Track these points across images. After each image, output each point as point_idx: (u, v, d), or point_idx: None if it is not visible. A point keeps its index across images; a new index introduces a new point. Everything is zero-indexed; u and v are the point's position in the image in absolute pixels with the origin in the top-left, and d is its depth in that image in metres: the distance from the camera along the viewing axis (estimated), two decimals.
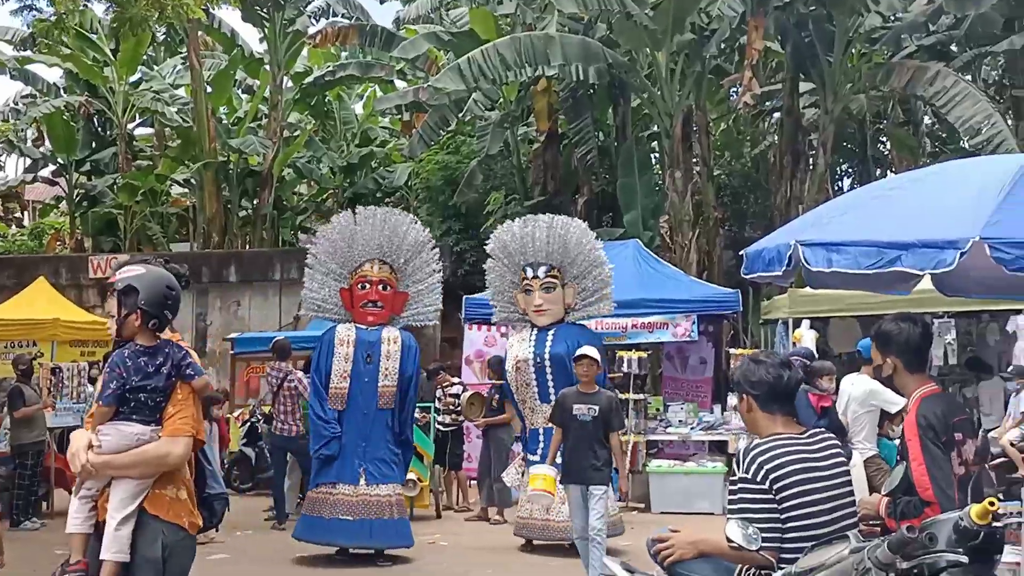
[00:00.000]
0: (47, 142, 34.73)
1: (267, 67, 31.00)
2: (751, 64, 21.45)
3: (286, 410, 15.02)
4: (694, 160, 23.76)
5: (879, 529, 5.46)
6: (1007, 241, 4.95)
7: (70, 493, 5.54)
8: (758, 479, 4.87)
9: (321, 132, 35.77)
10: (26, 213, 42.73)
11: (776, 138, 26.99)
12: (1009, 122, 22.94)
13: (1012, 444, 13.74)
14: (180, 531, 5.37)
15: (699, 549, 5.11)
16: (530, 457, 12.95)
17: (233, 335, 22.14)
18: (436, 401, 16.70)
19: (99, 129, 35.20)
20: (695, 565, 5.13)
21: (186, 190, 34.06)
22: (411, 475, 14.30)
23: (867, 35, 23.82)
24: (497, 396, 16.11)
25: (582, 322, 13.45)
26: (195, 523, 5.49)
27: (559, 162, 26.03)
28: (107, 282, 5.65)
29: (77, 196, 33.82)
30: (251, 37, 33.41)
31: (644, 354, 17.70)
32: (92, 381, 15.76)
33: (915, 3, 23.22)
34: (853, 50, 23.97)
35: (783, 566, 4.76)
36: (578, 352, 11.03)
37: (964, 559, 4.25)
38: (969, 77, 24.58)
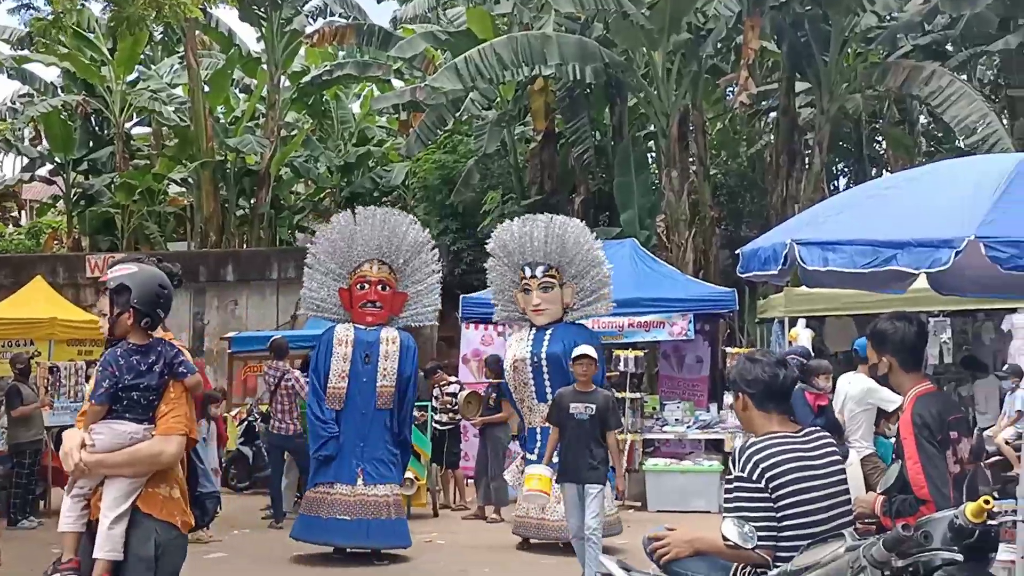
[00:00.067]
0: (44, 141, 34.76)
1: (264, 66, 31.00)
2: (747, 64, 21.49)
3: (283, 409, 15.02)
4: (690, 159, 23.77)
5: (875, 527, 5.48)
6: (1002, 240, 4.96)
7: None
8: (754, 478, 4.89)
9: (318, 131, 35.79)
10: (23, 212, 42.75)
11: (772, 137, 27.07)
12: (1004, 121, 22.99)
13: (1007, 442, 13.79)
14: (173, 530, 5.39)
15: (695, 547, 5.13)
16: (528, 456, 12.97)
17: (230, 334, 22.13)
18: (433, 400, 16.70)
19: (96, 128, 35.20)
20: (691, 563, 5.15)
21: (183, 189, 34.06)
22: (408, 474, 14.30)
23: (863, 35, 23.84)
24: (494, 395, 16.13)
25: (581, 321, 13.47)
26: (187, 522, 5.51)
27: (556, 161, 26.03)
28: (99, 281, 5.66)
29: (74, 195, 33.81)
30: (248, 36, 33.56)
31: (641, 353, 17.72)
32: (89, 380, 15.77)
33: (911, 3, 23.25)
34: (849, 50, 23.99)
35: (779, 564, 4.78)
36: (577, 352, 11.02)
37: (959, 557, 4.27)
38: (964, 77, 24.60)
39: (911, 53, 24.07)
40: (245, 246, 30.61)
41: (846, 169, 32.88)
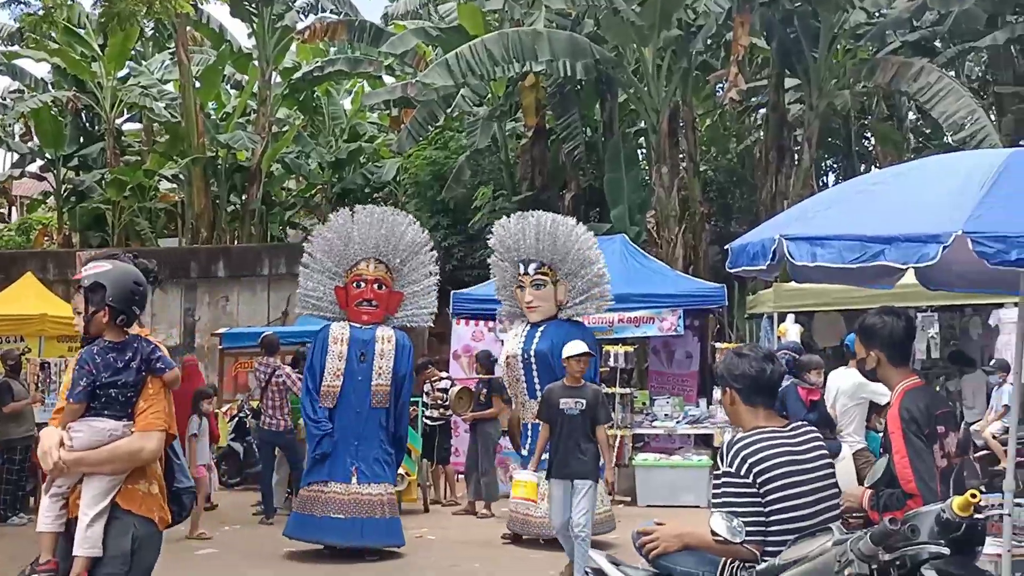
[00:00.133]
0: (35, 137, 34.59)
1: (255, 62, 30.93)
2: (737, 60, 21.52)
3: (274, 405, 15.02)
4: (680, 156, 23.81)
5: (862, 521, 5.50)
6: (989, 235, 4.96)
7: None
8: (741, 472, 4.91)
9: (309, 127, 35.68)
10: (13, 208, 42.62)
11: (762, 134, 27.11)
12: (992, 118, 23.06)
13: (994, 437, 13.84)
14: (151, 525, 5.38)
15: (684, 542, 5.16)
16: (523, 453, 13.03)
17: (221, 330, 22.12)
18: (424, 396, 16.71)
19: (87, 124, 35.10)
20: (680, 558, 5.17)
21: (174, 185, 33.97)
22: (399, 470, 14.33)
23: (852, 31, 23.89)
24: (485, 391, 16.17)
25: (578, 319, 13.46)
26: (164, 518, 5.50)
27: (546, 157, 26.04)
28: (73, 279, 5.65)
29: (65, 191, 33.72)
30: (239, 32, 33.39)
31: (630, 348, 17.74)
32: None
33: None
34: (838, 46, 24.03)
35: (767, 559, 4.80)
36: (577, 349, 11.02)
37: (946, 551, 4.28)
38: (953, 73, 24.68)
39: (900, 49, 24.13)
40: (236, 242, 30.50)
41: (835, 165, 32.95)
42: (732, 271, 6.31)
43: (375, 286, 12.84)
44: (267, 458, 15.47)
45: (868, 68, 22.63)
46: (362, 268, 12.84)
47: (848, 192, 6.53)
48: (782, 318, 16.51)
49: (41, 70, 34.96)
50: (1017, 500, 6.37)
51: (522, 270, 13.21)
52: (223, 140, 30.40)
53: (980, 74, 29.91)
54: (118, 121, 33.48)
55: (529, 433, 12.93)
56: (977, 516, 4.39)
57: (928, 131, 30.75)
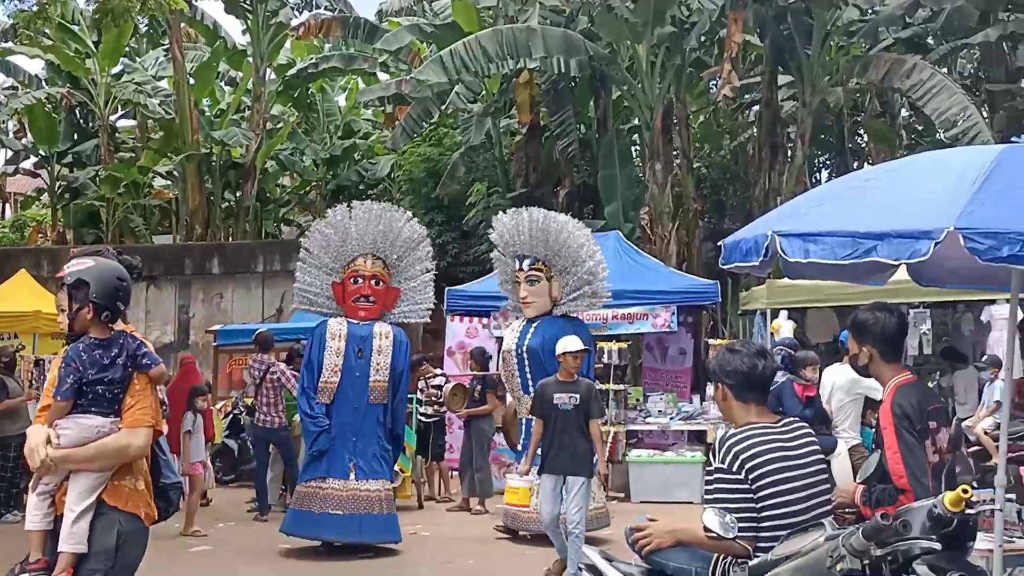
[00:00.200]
0: (28, 134, 34.57)
1: (250, 59, 30.88)
2: (730, 57, 21.52)
3: (268, 402, 15.02)
4: (674, 152, 23.84)
5: (854, 517, 5.53)
6: (981, 231, 4.97)
7: None
8: (733, 469, 4.93)
9: (304, 124, 35.66)
10: (7, 205, 42.57)
11: (755, 130, 27.09)
12: (984, 114, 23.05)
13: (986, 432, 13.87)
14: (136, 521, 5.39)
15: (676, 538, 5.18)
16: (518, 448, 13.05)
17: (216, 327, 22.09)
18: (418, 392, 16.70)
19: (81, 121, 35.09)
20: (672, 554, 5.19)
21: (169, 182, 33.97)
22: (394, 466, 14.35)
23: (845, 28, 23.87)
24: (479, 387, 16.17)
25: (573, 314, 13.45)
26: (151, 515, 5.50)
27: (541, 154, 26.04)
28: (56, 276, 5.65)
29: (59, 188, 33.70)
30: (234, 29, 33.28)
31: (624, 345, 17.77)
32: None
33: None
34: (831, 43, 24.03)
35: (759, 554, 4.82)
36: (575, 346, 11.05)
37: (937, 546, 4.30)
38: (945, 70, 24.68)
39: (892, 46, 24.16)
40: (231, 239, 30.50)
41: (828, 162, 32.97)
42: (725, 267, 6.32)
43: (372, 282, 12.86)
44: (261, 455, 15.48)
45: (861, 65, 22.66)
46: (359, 264, 12.84)
47: (841, 188, 6.54)
48: (775, 314, 16.54)
49: (35, 66, 35.01)
50: (1008, 495, 6.40)
51: (517, 266, 13.23)
52: (217, 137, 30.40)
53: (972, 71, 29.94)
54: (112, 118, 33.47)
55: (523, 428, 12.95)
56: (969, 512, 4.41)
57: (921, 128, 30.74)
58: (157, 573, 6.43)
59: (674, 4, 21.73)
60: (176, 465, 12.24)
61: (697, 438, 17.17)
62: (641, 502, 15.94)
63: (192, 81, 30.33)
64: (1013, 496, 6.81)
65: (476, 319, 19.04)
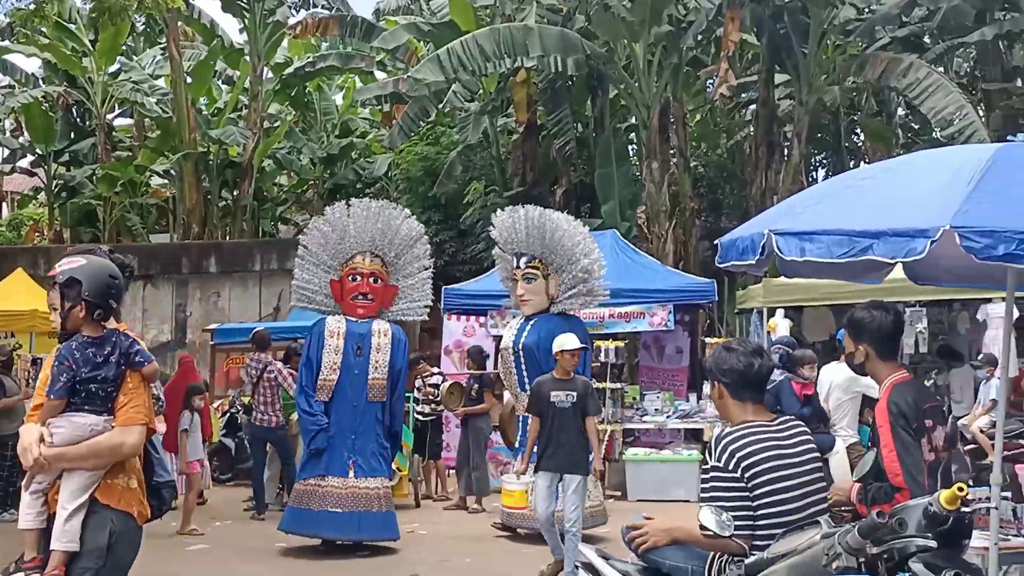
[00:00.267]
0: (25, 133, 34.54)
1: (247, 58, 30.85)
2: (727, 56, 21.53)
3: (266, 401, 15.02)
4: (671, 151, 23.85)
5: (850, 515, 5.54)
6: (976, 230, 4.98)
7: None
8: (729, 467, 4.94)
9: (301, 123, 35.64)
10: (4, 204, 42.51)
11: (752, 129, 27.11)
12: (980, 113, 23.09)
13: (982, 431, 13.89)
14: (129, 520, 5.38)
15: (673, 536, 5.18)
16: (515, 446, 13.05)
17: (213, 326, 22.10)
18: (415, 391, 16.70)
19: (78, 120, 35.04)
20: (669, 552, 5.20)
21: (166, 181, 33.92)
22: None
23: (841, 27, 23.90)
24: (476, 386, 16.17)
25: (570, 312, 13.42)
26: (144, 513, 5.49)
27: (538, 153, 26.03)
28: (48, 275, 5.65)
29: (56, 187, 33.67)
30: (231, 28, 33.44)
31: (621, 343, 17.74)
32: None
33: None
34: (828, 42, 24.02)
35: (755, 552, 4.82)
36: (572, 345, 11.05)
37: (933, 544, 4.31)
38: (941, 69, 24.67)
39: (889, 45, 24.17)
40: (228, 238, 30.49)
41: (824, 160, 32.97)
42: (722, 266, 6.33)
43: (371, 280, 12.87)
44: (258, 454, 15.49)
45: (857, 64, 22.67)
46: (358, 262, 12.86)
47: (837, 187, 6.54)
48: (772, 313, 16.52)
49: (32, 65, 35.05)
50: (1004, 493, 6.42)
51: (515, 263, 13.22)
52: (214, 136, 30.37)
53: (968, 70, 29.94)
54: (109, 116, 33.46)
55: (520, 426, 12.95)
56: (964, 509, 4.43)
57: (917, 127, 30.79)
58: (154, 572, 6.45)
59: (671, 3, 21.74)
60: (171, 464, 12.27)
61: (694, 436, 17.18)
62: (637, 500, 15.95)
63: (189, 80, 30.30)
64: (1008, 494, 6.82)
65: (473, 318, 19.04)
